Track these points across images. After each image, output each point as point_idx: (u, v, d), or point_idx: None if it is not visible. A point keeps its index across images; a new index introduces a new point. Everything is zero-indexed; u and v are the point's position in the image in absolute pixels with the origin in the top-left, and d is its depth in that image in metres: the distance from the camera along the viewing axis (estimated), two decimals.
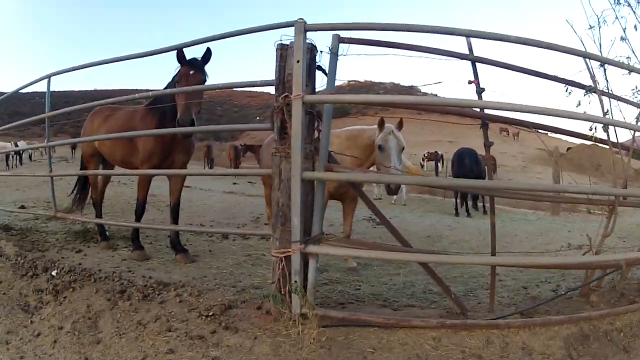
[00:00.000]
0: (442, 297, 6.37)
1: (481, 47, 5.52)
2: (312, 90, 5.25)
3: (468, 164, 18.23)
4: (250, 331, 5.17)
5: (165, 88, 8.01)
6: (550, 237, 12.39)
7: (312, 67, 5.26)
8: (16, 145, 38.81)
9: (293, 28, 5.13)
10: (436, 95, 5.88)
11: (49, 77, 8.71)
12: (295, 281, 5.10)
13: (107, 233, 9.43)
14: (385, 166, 7.20)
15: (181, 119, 6.97)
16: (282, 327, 5.13)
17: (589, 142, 6.30)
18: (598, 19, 5.98)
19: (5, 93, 12.32)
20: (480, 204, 20.09)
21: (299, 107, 4.93)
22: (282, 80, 5.16)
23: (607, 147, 5.97)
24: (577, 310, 5.46)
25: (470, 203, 19.57)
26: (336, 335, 4.98)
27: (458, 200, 19.08)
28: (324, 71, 5.36)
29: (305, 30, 5.04)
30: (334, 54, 5.27)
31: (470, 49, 5.61)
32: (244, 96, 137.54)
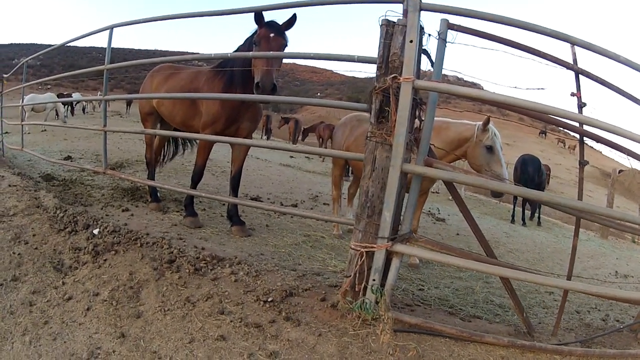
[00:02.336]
0: (505, 310, 6.25)
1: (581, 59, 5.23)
2: (418, 75, 4.79)
3: (531, 172, 17.75)
4: (314, 326, 4.77)
5: (237, 51, 7.64)
6: (600, 262, 12.21)
7: (419, 50, 4.80)
8: (70, 96, 38.90)
9: (401, 5, 4.79)
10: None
11: (111, 27, 8.42)
12: (374, 280, 4.73)
13: (158, 194, 9.22)
14: (494, 170, 7.14)
15: (262, 82, 6.54)
16: (349, 325, 4.73)
17: None
18: None
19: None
20: (536, 215, 19.52)
21: (409, 92, 4.53)
22: (386, 60, 4.72)
23: None
24: (627, 345, 5.35)
25: (528, 213, 19.06)
26: (407, 343, 4.57)
27: (517, 208, 18.70)
28: (429, 56, 4.94)
29: (420, 9, 4.64)
30: (442, 40, 4.85)
31: (575, 60, 5.22)
32: (308, 71, 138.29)
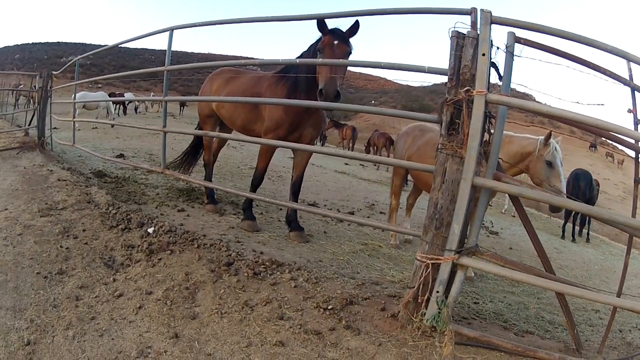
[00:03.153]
0: (555, 326, 6.22)
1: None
2: (488, 88, 4.78)
3: (583, 187, 17.66)
4: (374, 335, 4.77)
5: (301, 57, 7.62)
6: None
7: (489, 63, 4.78)
8: (122, 96, 39.47)
9: (469, 16, 4.79)
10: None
11: (171, 29, 8.43)
12: (438, 292, 4.71)
13: (215, 196, 9.29)
14: (553, 185, 7.11)
15: (325, 89, 6.50)
16: (408, 336, 4.73)
17: None
18: None
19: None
20: (584, 231, 19.33)
21: (481, 105, 4.52)
22: (457, 72, 4.71)
23: None
24: None
25: (577, 228, 18.86)
26: (465, 355, 4.57)
27: (568, 224, 18.61)
28: (497, 70, 4.89)
29: (491, 22, 4.63)
30: (510, 53, 4.80)
31: (631, 76, 5.24)
32: (362, 79, 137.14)
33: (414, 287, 4.80)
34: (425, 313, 4.75)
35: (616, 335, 6.35)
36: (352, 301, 5.29)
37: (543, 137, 7.34)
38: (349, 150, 40.80)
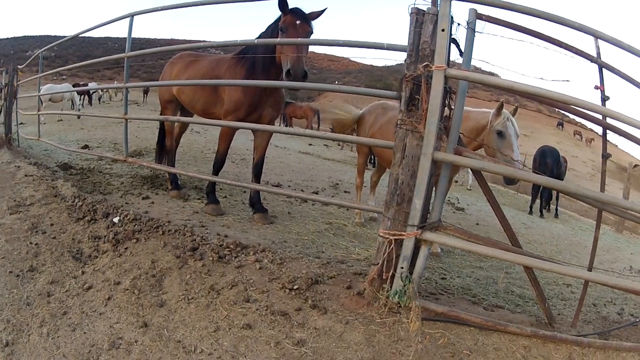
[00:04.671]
0: (525, 300, 6.23)
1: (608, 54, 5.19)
2: (448, 64, 4.78)
3: (550, 164, 17.65)
4: (341, 314, 4.77)
5: (259, 38, 7.59)
6: (615, 256, 12.17)
7: (449, 39, 4.78)
8: (86, 86, 39.10)
9: None
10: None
11: (132, 15, 8.32)
12: (402, 268, 4.71)
13: (178, 181, 9.22)
14: (504, 154, 6.87)
15: (294, 70, 6.49)
16: (375, 313, 4.73)
17: None
18: None
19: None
20: (553, 207, 19.46)
21: (441, 80, 4.51)
22: (417, 48, 4.71)
23: None
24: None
25: (543, 203, 18.98)
26: (433, 331, 4.58)
27: (537, 200, 18.69)
28: (458, 46, 4.91)
29: None
30: (472, 29, 4.80)
31: (598, 53, 5.24)
32: (325, 59, 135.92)
33: (378, 264, 4.81)
34: (390, 289, 4.75)
35: (590, 309, 6.39)
36: (318, 280, 5.28)
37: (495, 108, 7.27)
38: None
